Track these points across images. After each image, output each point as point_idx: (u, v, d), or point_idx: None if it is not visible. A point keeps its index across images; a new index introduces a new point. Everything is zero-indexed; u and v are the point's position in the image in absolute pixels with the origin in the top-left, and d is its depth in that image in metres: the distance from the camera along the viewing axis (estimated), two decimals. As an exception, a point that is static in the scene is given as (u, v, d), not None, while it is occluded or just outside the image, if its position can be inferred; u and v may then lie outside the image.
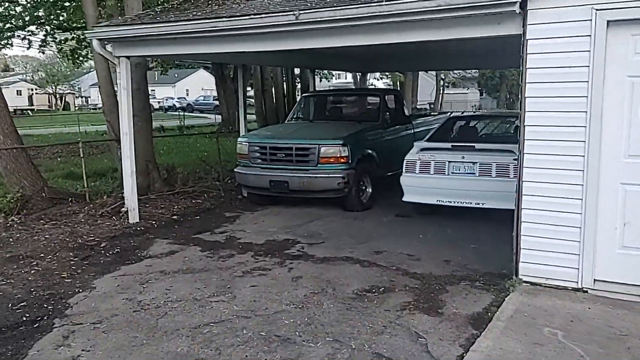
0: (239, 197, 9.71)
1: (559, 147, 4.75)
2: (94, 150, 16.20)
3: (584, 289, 4.79)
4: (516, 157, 6.86)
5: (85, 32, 7.04)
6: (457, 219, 7.58)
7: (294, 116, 10.25)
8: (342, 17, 5.47)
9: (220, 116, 26.36)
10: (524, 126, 4.91)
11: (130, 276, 5.72)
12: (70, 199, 9.00)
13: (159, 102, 53.44)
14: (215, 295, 5.12)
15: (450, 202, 7.26)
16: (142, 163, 9.51)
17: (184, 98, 55.60)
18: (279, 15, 5.88)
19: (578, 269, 4.80)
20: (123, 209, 8.04)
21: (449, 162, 7.28)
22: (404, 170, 7.64)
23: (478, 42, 5.73)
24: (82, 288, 5.42)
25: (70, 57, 20.40)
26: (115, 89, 8.95)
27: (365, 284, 5.30)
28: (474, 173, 7.14)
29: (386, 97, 9.73)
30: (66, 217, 8.14)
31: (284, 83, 14.07)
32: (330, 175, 8.11)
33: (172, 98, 54.86)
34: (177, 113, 38.97)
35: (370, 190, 8.79)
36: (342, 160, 8.15)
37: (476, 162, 7.12)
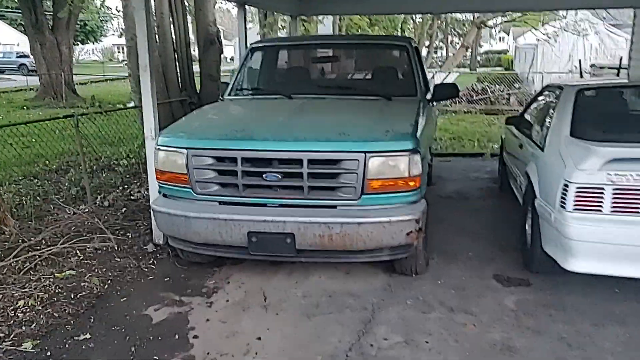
0: (147, 249, 4.89)
1: None
2: None
3: None
4: None
5: None
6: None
7: (243, 86, 5.40)
8: None
9: (38, 79, 19.35)
10: None
11: None
12: None
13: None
14: None
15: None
16: None
17: (-24, 56, 44.14)
18: None
19: None
20: None
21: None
22: (571, 206, 3.56)
23: None
24: None
25: None
26: None
27: None
28: None
29: (414, 49, 5.41)
30: None
31: (172, 26, 8.46)
32: (391, 219, 3.71)
33: (-41, 57, 43.17)
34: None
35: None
36: (411, 183, 3.77)
37: None
